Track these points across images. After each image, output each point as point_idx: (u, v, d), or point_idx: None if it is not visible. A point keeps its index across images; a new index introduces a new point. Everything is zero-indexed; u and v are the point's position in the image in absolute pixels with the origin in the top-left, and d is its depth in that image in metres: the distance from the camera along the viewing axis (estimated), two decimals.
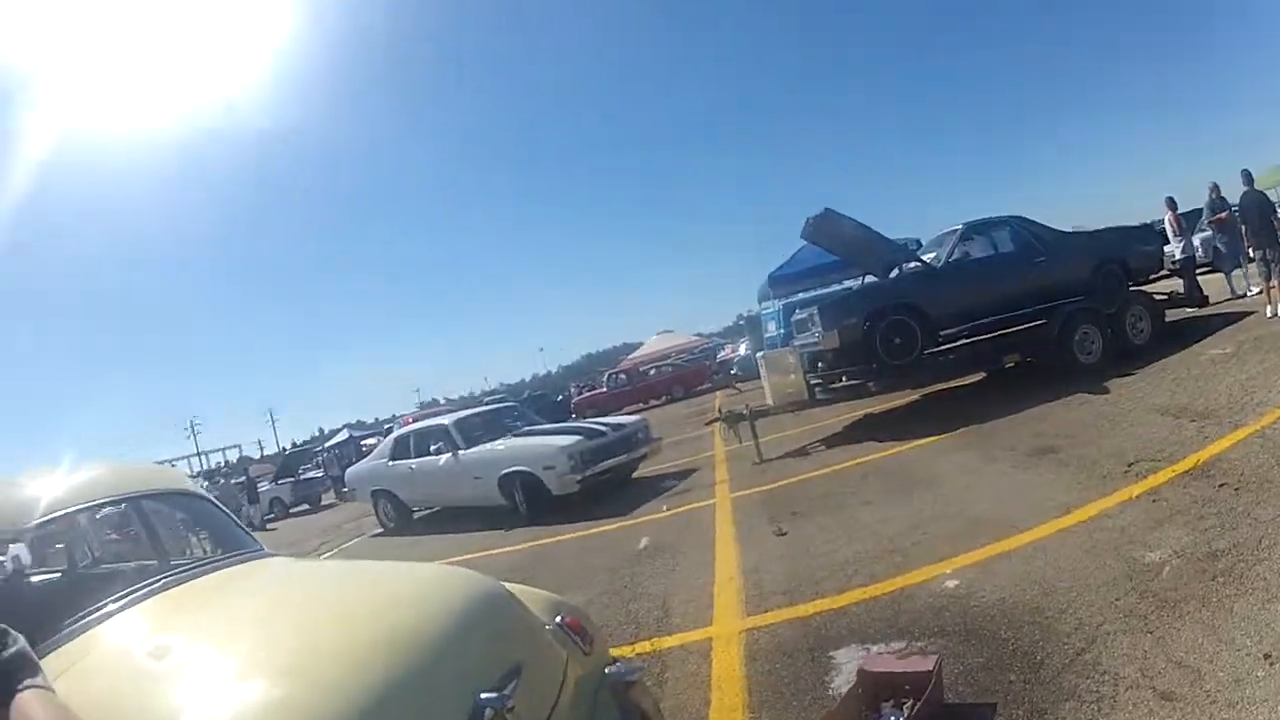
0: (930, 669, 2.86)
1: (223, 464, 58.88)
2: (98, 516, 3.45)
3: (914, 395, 11.34)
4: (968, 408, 9.46)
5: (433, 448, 11.43)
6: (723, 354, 35.73)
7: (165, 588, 2.70)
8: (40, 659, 2.14)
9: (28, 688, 1.19)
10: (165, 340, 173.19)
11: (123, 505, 3.37)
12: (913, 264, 10.77)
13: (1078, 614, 3.31)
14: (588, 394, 34.51)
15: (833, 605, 4.27)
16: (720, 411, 10.56)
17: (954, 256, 10.29)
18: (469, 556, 8.59)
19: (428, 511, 12.45)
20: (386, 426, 30.58)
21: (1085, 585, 3.59)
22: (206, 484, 22.65)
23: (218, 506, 3.52)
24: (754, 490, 8.12)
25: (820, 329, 10.06)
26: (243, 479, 22.82)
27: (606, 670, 2.52)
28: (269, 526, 21.17)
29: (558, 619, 2.71)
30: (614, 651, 4.30)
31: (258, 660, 2.11)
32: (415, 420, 24.20)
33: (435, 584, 2.58)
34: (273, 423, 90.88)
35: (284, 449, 69.46)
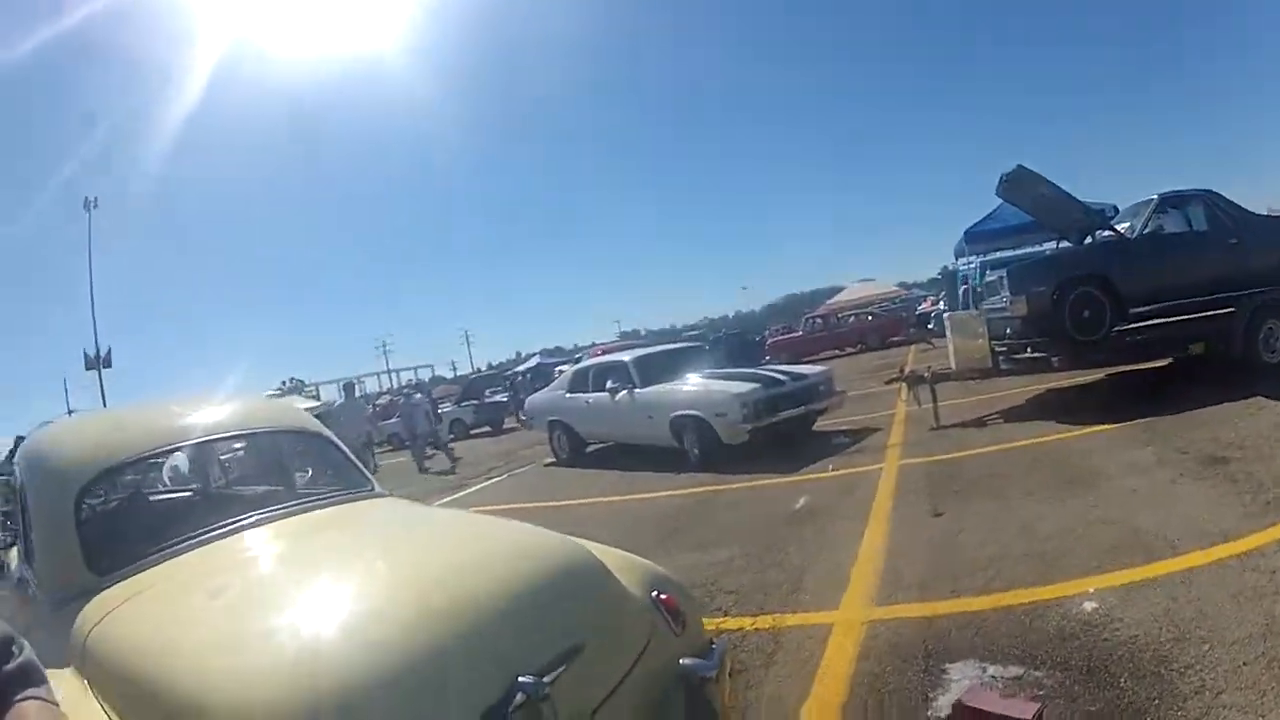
0: (1029, 717, 2.77)
1: (413, 381, 62.48)
2: (233, 445, 3.83)
3: (1098, 374, 10.50)
4: (1149, 397, 8.77)
5: (610, 384, 11.64)
6: (922, 307, 34.34)
7: (271, 518, 3.01)
8: (154, 567, 2.61)
9: (29, 699, 1.23)
10: (374, 260, 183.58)
11: (255, 437, 3.73)
12: (1106, 233, 9.88)
13: (1203, 673, 3.04)
14: (783, 336, 34.21)
15: (964, 609, 4.14)
16: (902, 371, 10.24)
17: (1148, 229, 9.34)
18: (629, 497, 9.03)
19: (601, 446, 12.81)
20: (578, 355, 31.59)
21: (1220, 637, 3.29)
22: (389, 399, 23.76)
23: (338, 446, 3.76)
24: (924, 460, 7.93)
25: (1008, 294, 9.47)
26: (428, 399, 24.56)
27: (681, 662, 2.40)
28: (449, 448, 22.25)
29: (654, 594, 2.63)
30: (734, 623, 4.53)
31: (307, 599, 2.24)
32: (606, 352, 24.83)
33: (516, 549, 2.55)
34: (468, 344, 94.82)
35: (477, 370, 73.16)
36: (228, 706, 1.71)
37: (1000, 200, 11.84)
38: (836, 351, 29.73)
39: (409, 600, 2.06)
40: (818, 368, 11.90)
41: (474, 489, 12.52)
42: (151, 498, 3.97)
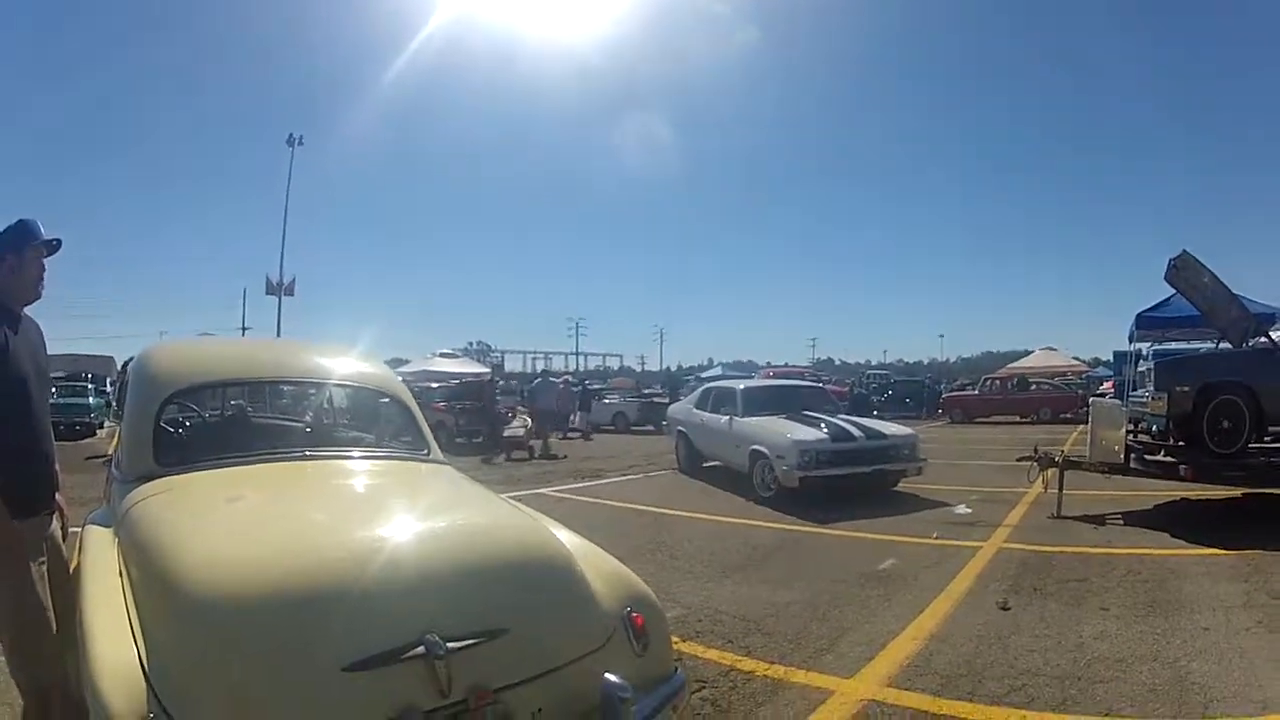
0: None
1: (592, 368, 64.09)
2: (326, 390, 4.09)
3: (1237, 491, 9.01)
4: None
5: (723, 407, 11.83)
6: (1105, 386, 31.95)
7: (313, 457, 3.35)
8: (202, 470, 3.06)
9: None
10: (584, 237, 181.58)
11: (335, 388, 4.03)
12: (1262, 339, 8.69)
13: None
14: (958, 393, 32.91)
15: (968, 715, 3.76)
16: (1036, 451, 9.51)
17: None
18: (719, 517, 9.11)
19: (718, 464, 12.57)
20: (754, 374, 31.50)
21: None
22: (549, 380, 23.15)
23: (411, 412, 3.90)
24: (1027, 547, 7.28)
25: (1152, 389, 8.50)
26: (579, 386, 25.21)
27: (605, 676, 2.28)
28: (590, 437, 22.23)
29: (626, 610, 2.56)
30: (750, 664, 4.35)
31: (291, 520, 2.56)
32: (775, 376, 24.35)
33: (488, 531, 2.60)
34: (661, 341, 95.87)
35: (667, 369, 74.81)
36: (187, 573, 2.08)
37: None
38: (1019, 418, 28.23)
39: (369, 544, 2.25)
40: (904, 430, 11.11)
41: (606, 481, 12.86)
42: (224, 418, 4.35)
